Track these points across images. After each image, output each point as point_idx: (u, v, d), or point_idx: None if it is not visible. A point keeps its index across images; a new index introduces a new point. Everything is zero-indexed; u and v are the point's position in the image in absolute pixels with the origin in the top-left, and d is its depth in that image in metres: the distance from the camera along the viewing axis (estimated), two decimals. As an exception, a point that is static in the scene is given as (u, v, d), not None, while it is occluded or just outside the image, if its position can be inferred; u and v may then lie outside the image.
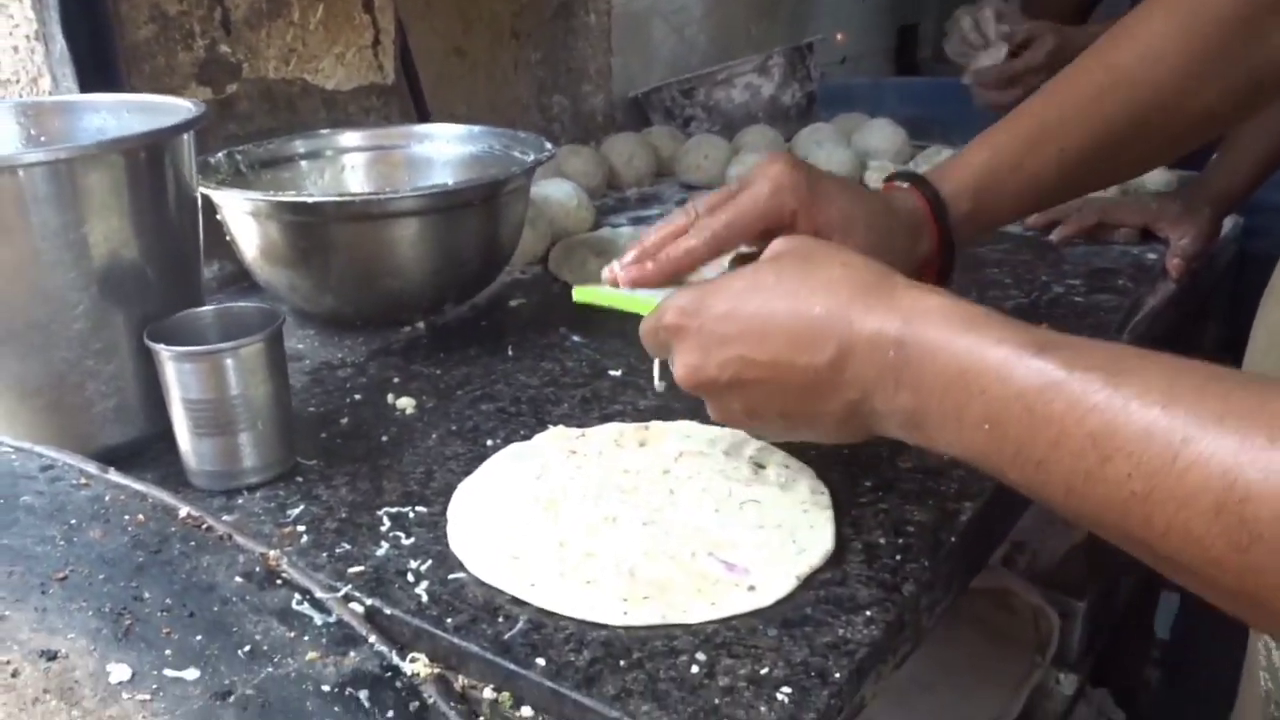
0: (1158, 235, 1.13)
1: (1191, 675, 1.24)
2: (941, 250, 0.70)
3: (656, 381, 0.66)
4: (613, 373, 0.85)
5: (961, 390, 0.44)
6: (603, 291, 0.66)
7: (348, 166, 1.08)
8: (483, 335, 0.95)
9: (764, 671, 0.51)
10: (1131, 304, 1.00)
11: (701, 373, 0.54)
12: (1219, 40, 0.66)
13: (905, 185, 0.70)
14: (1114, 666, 1.48)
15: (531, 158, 0.97)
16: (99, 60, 0.95)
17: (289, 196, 0.89)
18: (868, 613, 0.55)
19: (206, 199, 0.87)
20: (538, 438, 0.73)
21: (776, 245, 0.55)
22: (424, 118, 1.27)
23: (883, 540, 0.61)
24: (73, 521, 0.59)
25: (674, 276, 0.64)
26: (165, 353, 0.66)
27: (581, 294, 0.68)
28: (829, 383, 0.50)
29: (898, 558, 0.60)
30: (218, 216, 0.92)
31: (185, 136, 0.72)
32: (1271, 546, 0.34)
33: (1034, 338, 0.43)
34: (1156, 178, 1.26)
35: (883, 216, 0.67)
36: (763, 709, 0.49)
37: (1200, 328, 1.34)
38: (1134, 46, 0.68)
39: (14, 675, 0.48)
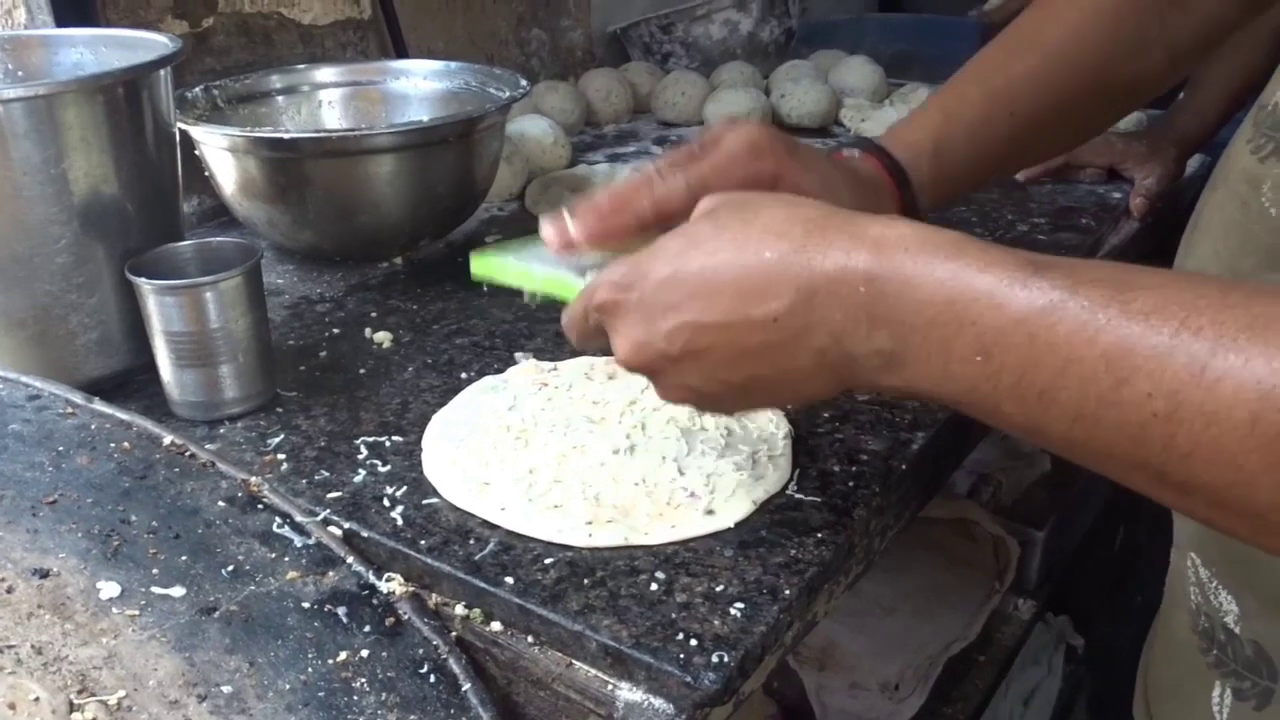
0: (1123, 174, 1.15)
1: (1134, 592, 1.29)
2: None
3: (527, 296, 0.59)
4: (585, 308, 0.87)
5: (949, 322, 0.40)
6: (515, 268, 0.58)
7: (324, 102, 1.08)
8: (459, 271, 0.96)
9: (719, 589, 0.54)
10: (1094, 243, 1.03)
11: (648, 349, 0.49)
12: (1148, 6, 0.66)
13: (858, 153, 0.66)
14: (1073, 593, 1.54)
15: (507, 94, 0.98)
16: (74, -8, 0.95)
17: (266, 132, 0.90)
18: (819, 535, 0.58)
19: (185, 134, 0.88)
20: (510, 370, 0.75)
21: (705, 203, 0.50)
22: (401, 52, 1.28)
23: (837, 468, 0.64)
24: (60, 449, 0.61)
25: (638, 229, 0.55)
26: (146, 286, 0.68)
27: (482, 267, 0.58)
28: (791, 333, 0.45)
29: (850, 484, 0.63)
30: (196, 152, 0.93)
31: (163, 72, 0.73)
32: None
33: (1026, 258, 0.40)
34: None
35: (856, 184, 0.63)
36: (716, 622, 0.52)
37: (1165, 266, 1.37)
38: (1070, 13, 0.67)
39: (9, 591, 0.51)
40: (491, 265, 0.59)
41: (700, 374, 0.49)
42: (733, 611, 0.53)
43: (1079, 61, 0.67)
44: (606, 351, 0.53)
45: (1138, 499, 0.43)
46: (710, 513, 0.60)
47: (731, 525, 0.59)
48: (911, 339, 0.42)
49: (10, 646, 0.48)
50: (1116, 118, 0.76)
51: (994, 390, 0.40)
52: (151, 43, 0.78)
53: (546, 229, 0.56)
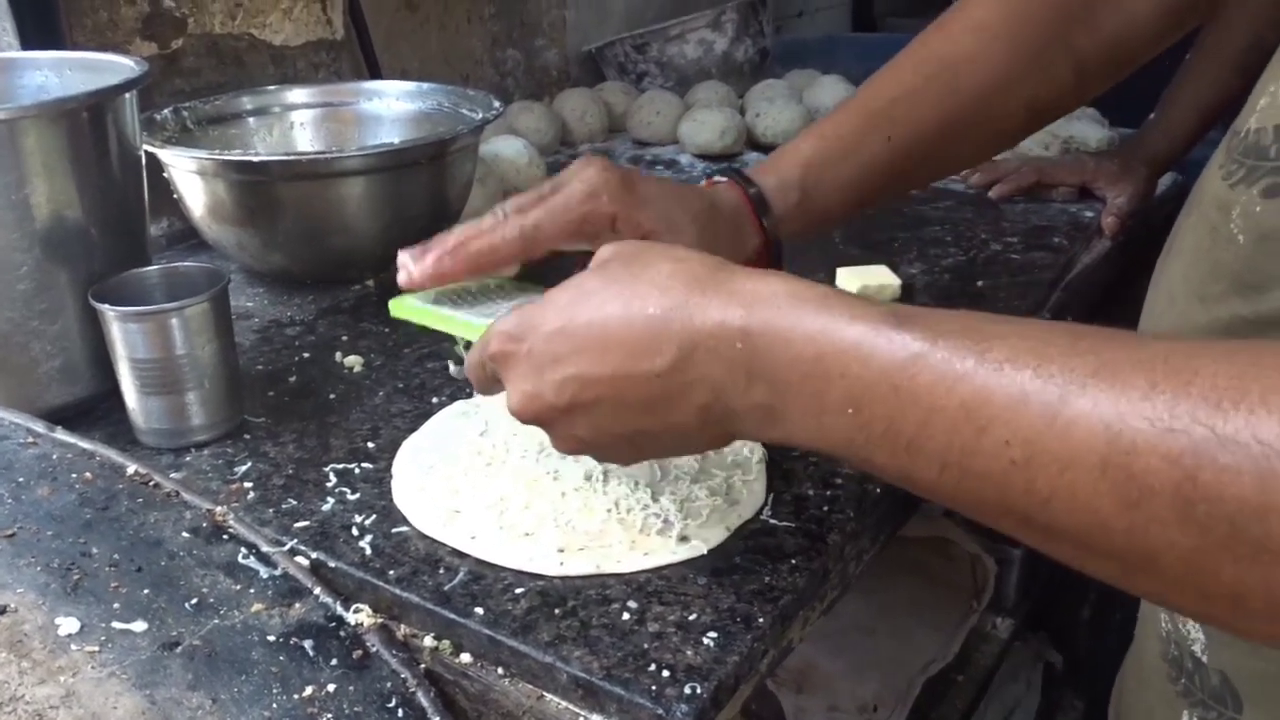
0: (1095, 193, 1.16)
1: (1117, 612, 1.30)
2: (767, 245, 0.67)
3: (453, 369, 0.62)
4: (559, 330, 0.87)
5: (820, 376, 0.41)
6: (425, 308, 0.60)
7: (296, 124, 1.08)
8: (431, 293, 0.96)
9: (692, 617, 0.54)
10: (1066, 261, 1.03)
11: (538, 400, 0.49)
12: (1050, 26, 0.66)
13: (724, 181, 0.67)
14: (1052, 610, 1.54)
15: (480, 116, 0.98)
16: (39, 14, 0.94)
17: (235, 155, 0.89)
18: (793, 561, 0.58)
19: (153, 156, 0.88)
20: (482, 396, 0.74)
21: (602, 252, 0.51)
22: (375, 73, 1.27)
23: (811, 492, 0.64)
24: (20, 479, 0.60)
25: (472, 272, 0.60)
26: (111, 313, 0.67)
27: (399, 309, 0.61)
28: (675, 388, 0.46)
29: (825, 509, 0.62)
30: (164, 174, 0.92)
31: (128, 96, 0.73)
32: (1164, 498, 0.32)
33: (889, 311, 0.41)
34: (1096, 135, 1.29)
35: (706, 214, 0.64)
36: (689, 652, 0.51)
37: (1138, 285, 1.38)
38: (963, 34, 0.67)
39: (-36, 629, 0.50)
40: (409, 310, 0.61)
41: (588, 426, 0.49)
42: (705, 641, 0.52)
43: (967, 84, 0.66)
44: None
45: None
46: (684, 539, 0.59)
47: (705, 552, 0.58)
48: (787, 393, 0.43)
49: (-36, 686, 0.47)
50: (1019, 137, 0.75)
51: (866, 441, 0.41)
52: (117, 65, 0.77)
53: (401, 272, 0.60)
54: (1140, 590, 0.36)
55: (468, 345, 0.58)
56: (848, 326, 0.41)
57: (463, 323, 0.60)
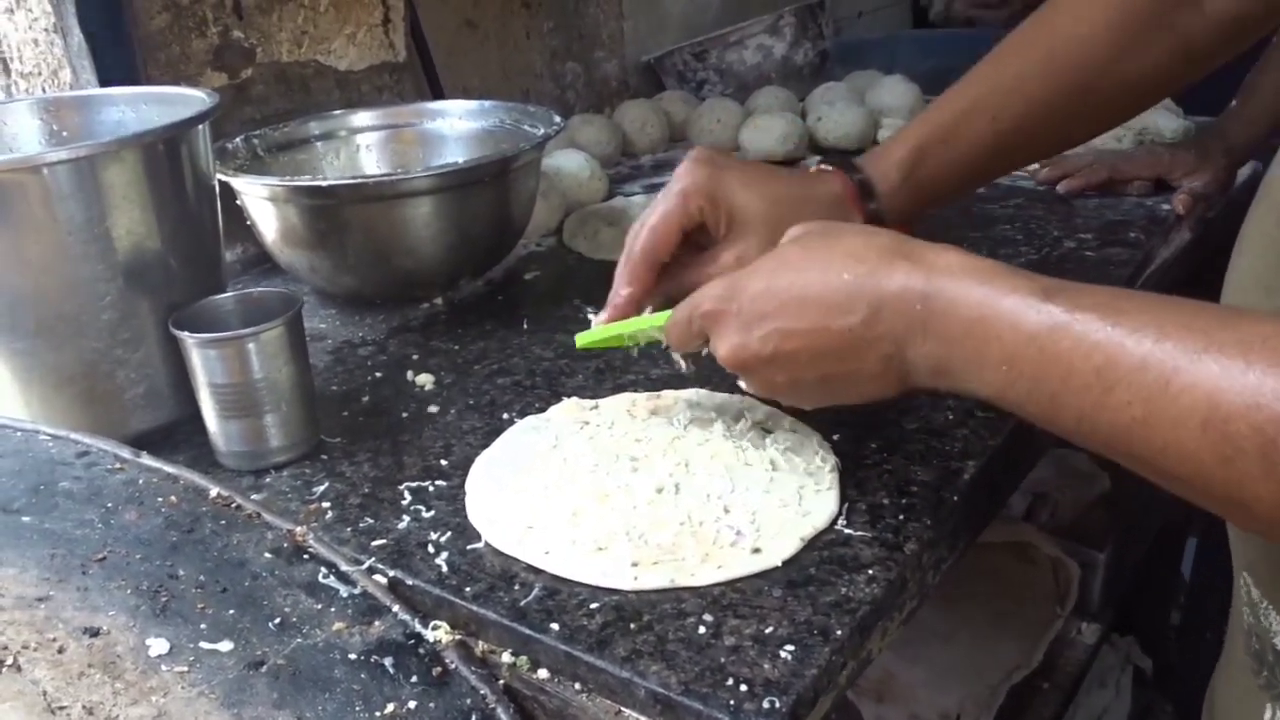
0: (1172, 186, 1.12)
1: (1209, 615, 1.26)
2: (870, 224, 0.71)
3: (683, 366, 0.69)
4: (626, 343, 0.87)
5: (980, 336, 0.49)
6: (599, 330, 0.69)
7: (362, 146, 1.10)
8: (498, 310, 0.97)
9: (768, 630, 0.53)
10: (1143, 257, 1.01)
11: (745, 350, 0.57)
12: (1151, 11, 0.68)
13: (829, 169, 0.73)
14: (1140, 614, 1.49)
15: (541, 132, 0.98)
16: (116, 51, 0.97)
17: (304, 181, 0.91)
18: (870, 571, 0.57)
19: (226, 184, 0.90)
20: (552, 410, 0.75)
21: (793, 230, 0.59)
22: (437, 93, 1.29)
23: (886, 500, 0.63)
24: (109, 505, 0.61)
25: (643, 281, 0.68)
26: (190, 340, 0.68)
27: (584, 340, 0.70)
28: (864, 340, 0.53)
29: (901, 517, 0.61)
30: (238, 201, 0.94)
31: (201, 127, 0.75)
32: (1251, 457, 0.39)
33: (1041, 285, 0.48)
34: (1171, 126, 1.25)
35: (789, 199, 0.70)
36: (766, 666, 0.51)
37: (1218, 279, 1.34)
38: (1064, 19, 0.70)
39: (60, 651, 0.51)
40: (593, 335, 0.69)
41: (786, 372, 0.57)
42: (783, 654, 0.52)
43: (1068, 64, 0.70)
44: (706, 355, 0.62)
45: (1196, 516, 0.47)
46: (757, 551, 0.58)
47: (779, 564, 0.58)
48: (954, 348, 0.50)
49: (62, 708, 0.48)
50: (1127, 116, 0.78)
51: (1017, 394, 0.48)
52: (190, 98, 0.79)
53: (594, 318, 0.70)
54: (1246, 527, 0.44)
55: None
56: (1005, 297, 0.48)
57: (642, 321, 0.67)
